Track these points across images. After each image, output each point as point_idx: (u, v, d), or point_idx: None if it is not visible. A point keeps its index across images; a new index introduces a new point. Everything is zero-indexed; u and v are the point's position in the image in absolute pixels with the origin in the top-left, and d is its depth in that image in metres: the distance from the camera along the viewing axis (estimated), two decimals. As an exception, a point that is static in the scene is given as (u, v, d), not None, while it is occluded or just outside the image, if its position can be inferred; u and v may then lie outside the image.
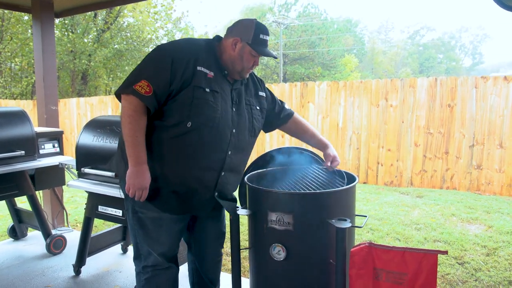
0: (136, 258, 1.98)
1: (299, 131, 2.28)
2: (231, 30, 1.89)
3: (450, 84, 6.41)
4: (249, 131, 1.99)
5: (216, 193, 1.93)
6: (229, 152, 1.89)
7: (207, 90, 1.77)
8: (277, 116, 2.20)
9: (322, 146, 2.21)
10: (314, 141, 2.25)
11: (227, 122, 1.85)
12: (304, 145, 2.48)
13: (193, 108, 1.73)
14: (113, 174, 2.59)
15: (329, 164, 2.14)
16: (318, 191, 1.87)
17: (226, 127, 1.85)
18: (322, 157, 2.25)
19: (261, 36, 1.85)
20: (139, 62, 1.83)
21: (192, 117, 1.74)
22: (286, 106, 2.25)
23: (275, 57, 1.96)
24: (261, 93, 2.10)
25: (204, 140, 1.79)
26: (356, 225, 1.94)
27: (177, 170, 1.81)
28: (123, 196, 2.53)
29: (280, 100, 2.24)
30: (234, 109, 1.90)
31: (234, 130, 1.89)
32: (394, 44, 47.60)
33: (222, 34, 1.97)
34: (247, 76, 1.95)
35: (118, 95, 1.76)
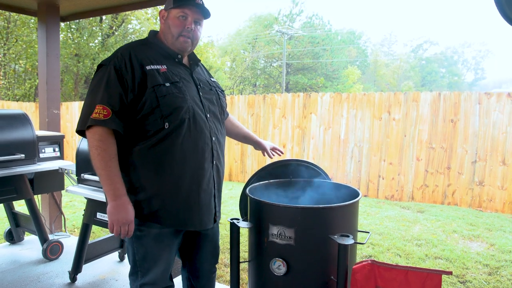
0: (133, 274, 1.87)
1: (240, 131, 2.29)
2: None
3: (453, 99, 6.40)
4: (219, 113, 1.92)
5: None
6: (213, 139, 1.82)
7: (167, 84, 1.68)
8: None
9: (257, 143, 2.30)
10: (249, 139, 2.31)
11: (200, 108, 1.77)
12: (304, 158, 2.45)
13: (163, 108, 1.64)
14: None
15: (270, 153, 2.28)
16: (321, 205, 1.83)
17: (202, 114, 1.77)
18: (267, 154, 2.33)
19: None
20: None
21: (167, 117, 1.66)
22: None
23: (206, 12, 1.80)
24: (213, 79, 2.03)
25: (188, 134, 1.71)
26: (358, 241, 1.91)
27: (173, 178, 1.72)
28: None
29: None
30: (201, 93, 1.82)
31: (208, 115, 1.81)
32: (397, 57, 47.77)
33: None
34: (189, 46, 1.80)
35: (80, 132, 1.68)
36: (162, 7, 1.92)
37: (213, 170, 1.84)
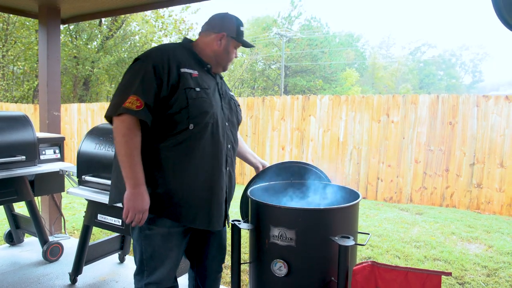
0: (138, 274, 1.90)
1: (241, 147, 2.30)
2: (212, 26, 1.91)
3: (451, 102, 6.43)
4: (236, 124, 2.03)
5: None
6: (228, 146, 1.91)
7: (197, 89, 1.77)
8: None
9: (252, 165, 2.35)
10: (249, 159, 2.34)
11: (221, 116, 1.87)
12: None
13: (190, 110, 1.72)
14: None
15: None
16: (321, 207, 1.85)
17: (223, 122, 1.88)
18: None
19: (241, 28, 1.93)
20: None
21: (193, 119, 1.73)
22: None
23: (253, 46, 2.05)
24: (231, 92, 2.12)
25: (210, 138, 1.80)
26: (358, 242, 1.93)
27: (190, 177, 1.78)
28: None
29: None
30: (223, 103, 1.91)
31: (227, 124, 1.91)
32: (395, 59, 47.91)
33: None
34: (227, 69, 2.02)
35: (109, 118, 1.73)
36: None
37: (226, 175, 1.91)
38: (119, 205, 2.56)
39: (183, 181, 1.77)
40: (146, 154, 1.75)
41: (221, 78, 2.05)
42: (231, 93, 2.11)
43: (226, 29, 1.89)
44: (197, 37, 2.01)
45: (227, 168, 1.91)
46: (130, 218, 1.71)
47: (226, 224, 2.00)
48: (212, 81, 1.91)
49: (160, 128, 1.75)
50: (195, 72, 1.81)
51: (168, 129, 1.74)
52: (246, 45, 1.96)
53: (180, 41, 2.01)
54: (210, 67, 1.91)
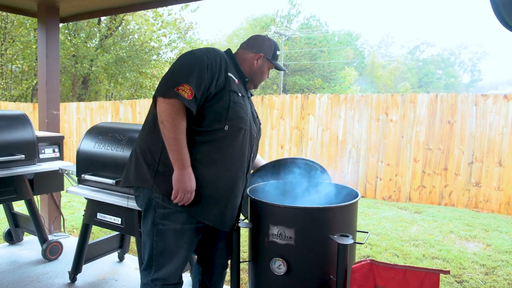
0: (146, 269, 1.93)
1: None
2: (252, 45, 2.03)
3: (450, 101, 6.45)
4: (259, 136, 2.12)
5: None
6: (252, 155, 2.00)
7: (240, 94, 1.88)
8: None
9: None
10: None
11: (252, 126, 1.98)
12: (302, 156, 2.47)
13: (230, 112, 1.81)
14: (114, 182, 2.57)
15: None
16: (320, 206, 1.86)
17: (253, 131, 1.98)
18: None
19: (277, 52, 2.08)
20: (170, 66, 1.84)
21: (230, 121, 1.81)
22: None
23: (285, 70, 2.20)
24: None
25: (238, 143, 1.88)
26: (357, 241, 1.93)
27: (215, 175, 1.85)
28: (123, 205, 2.53)
29: None
30: (252, 115, 2.02)
31: (255, 134, 2.02)
32: (394, 58, 47.93)
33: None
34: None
35: (156, 98, 1.75)
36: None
37: (244, 181, 2.00)
38: (119, 203, 2.57)
39: (207, 176, 1.84)
40: None
41: (251, 95, 2.16)
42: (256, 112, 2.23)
43: (264, 51, 2.02)
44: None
45: (246, 175, 2.00)
46: (180, 198, 1.77)
47: (235, 228, 2.03)
48: (246, 93, 2.03)
49: (198, 122, 1.80)
50: (237, 80, 1.93)
51: (205, 125, 1.80)
52: (279, 68, 2.08)
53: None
54: (247, 80, 2.03)
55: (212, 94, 1.79)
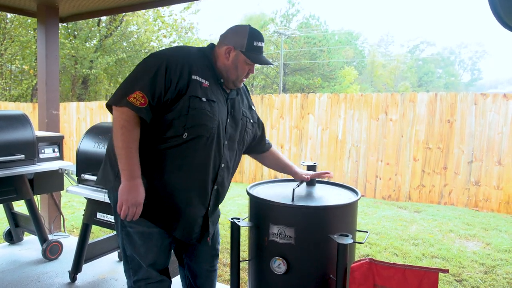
0: (126, 271, 1.89)
1: (280, 163, 2.22)
2: (224, 37, 1.82)
3: (450, 100, 6.45)
4: (238, 144, 1.94)
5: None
6: (222, 165, 1.84)
7: (203, 99, 1.70)
8: (260, 139, 2.15)
9: (294, 174, 2.18)
10: (284, 166, 2.22)
11: (222, 133, 1.79)
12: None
13: (189, 118, 1.67)
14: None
15: (325, 175, 2.14)
16: (320, 205, 1.86)
17: (222, 139, 1.80)
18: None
19: (255, 43, 1.78)
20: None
21: (189, 128, 1.68)
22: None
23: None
24: (253, 107, 2.06)
25: (200, 151, 1.73)
26: (356, 240, 1.94)
27: (170, 183, 1.74)
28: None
29: (262, 123, 2.19)
30: (228, 120, 1.84)
31: (226, 142, 1.83)
32: (394, 57, 47.91)
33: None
34: (241, 85, 1.90)
35: (109, 106, 1.69)
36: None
37: (211, 193, 1.85)
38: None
39: (165, 185, 1.74)
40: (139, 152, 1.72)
41: (242, 93, 1.97)
42: (253, 108, 2.03)
43: (235, 42, 1.78)
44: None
45: (215, 186, 1.85)
46: (124, 212, 1.67)
47: (209, 240, 1.95)
48: (223, 95, 1.83)
49: (157, 129, 1.71)
50: (206, 82, 1.74)
51: (164, 131, 1.70)
52: (256, 60, 1.79)
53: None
54: (222, 81, 1.83)
55: (172, 99, 1.66)
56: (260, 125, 2.15)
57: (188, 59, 1.72)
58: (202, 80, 1.73)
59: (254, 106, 2.09)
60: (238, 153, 1.97)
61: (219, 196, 1.92)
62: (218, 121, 1.76)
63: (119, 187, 1.67)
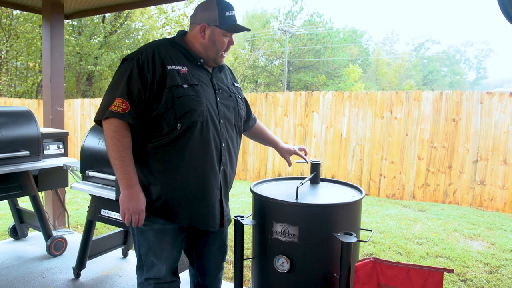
0: (139, 268, 1.92)
1: (263, 135, 2.29)
2: (194, 17, 1.81)
3: (455, 99, 6.41)
4: (235, 120, 1.93)
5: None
6: (223, 145, 1.84)
7: (185, 86, 1.70)
8: (247, 116, 2.17)
9: (275, 143, 2.29)
10: (270, 141, 2.31)
11: (215, 113, 1.79)
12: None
13: (177, 108, 1.67)
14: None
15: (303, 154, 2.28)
16: (324, 203, 1.85)
17: (215, 119, 1.79)
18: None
19: (227, 13, 1.76)
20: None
21: (180, 118, 1.68)
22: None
23: (248, 30, 1.86)
24: (237, 84, 2.05)
25: (199, 137, 1.74)
26: (360, 239, 1.93)
27: (181, 177, 1.75)
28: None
29: (246, 100, 2.19)
30: (218, 99, 1.83)
31: (222, 121, 1.83)
32: (399, 56, 47.69)
33: None
34: (223, 61, 1.88)
35: (98, 122, 1.71)
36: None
37: (220, 175, 1.86)
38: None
39: (174, 182, 1.75)
40: (137, 155, 1.74)
41: (225, 70, 1.97)
42: (237, 85, 2.02)
43: (206, 19, 1.76)
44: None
45: (221, 167, 1.85)
46: (128, 220, 1.69)
47: (225, 224, 1.95)
48: (206, 75, 1.83)
49: (150, 129, 1.71)
50: (184, 68, 1.74)
51: (157, 129, 1.71)
52: (233, 30, 1.78)
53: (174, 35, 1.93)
54: (202, 61, 1.82)
55: (154, 94, 1.67)
56: (245, 101, 2.13)
57: (159, 52, 1.72)
58: (179, 68, 1.73)
59: (237, 83, 2.08)
60: (238, 130, 1.97)
61: (228, 177, 1.92)
62: (206, 103, 1.75)
63: (119, 196, 1.69)
